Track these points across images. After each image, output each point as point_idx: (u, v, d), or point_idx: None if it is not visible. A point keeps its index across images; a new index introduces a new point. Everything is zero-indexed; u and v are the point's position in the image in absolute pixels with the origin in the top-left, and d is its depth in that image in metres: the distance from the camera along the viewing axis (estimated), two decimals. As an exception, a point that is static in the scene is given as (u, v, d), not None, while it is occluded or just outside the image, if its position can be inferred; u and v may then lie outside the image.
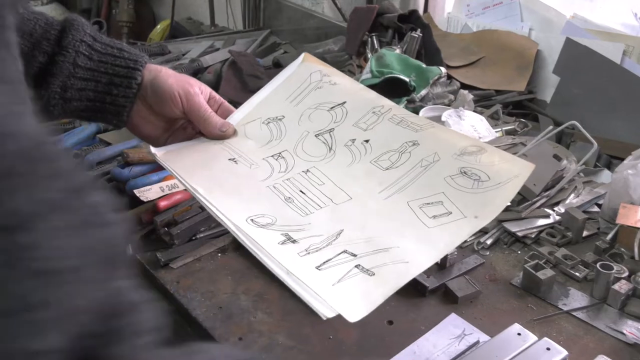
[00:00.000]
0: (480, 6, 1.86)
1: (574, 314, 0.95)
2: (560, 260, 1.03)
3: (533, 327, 0.92)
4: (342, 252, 0.73)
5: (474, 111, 1.48)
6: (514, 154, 1.24)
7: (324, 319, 0.66)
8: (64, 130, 1.52)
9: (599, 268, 0.96)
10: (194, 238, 1.11)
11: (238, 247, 1.09)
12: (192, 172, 0.87)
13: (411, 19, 1.74)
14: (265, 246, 0.74)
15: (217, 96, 0.99)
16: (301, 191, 0.85)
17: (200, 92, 0.95)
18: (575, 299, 0.98)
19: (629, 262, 1.02)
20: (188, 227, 1.10)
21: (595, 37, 1.54)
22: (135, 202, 1.19)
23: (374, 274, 0.70)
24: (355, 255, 0.73)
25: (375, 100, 0.98)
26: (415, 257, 0.73)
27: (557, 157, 1.25)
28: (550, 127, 1.30)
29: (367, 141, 0.91)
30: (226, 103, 0.99)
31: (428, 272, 1.01)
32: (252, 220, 0.78)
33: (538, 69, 1.72)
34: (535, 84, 1.73)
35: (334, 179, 0.87)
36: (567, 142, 1.45)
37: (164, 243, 1.10)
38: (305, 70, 1.04)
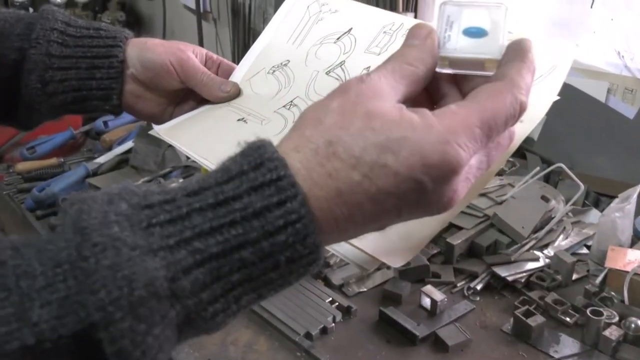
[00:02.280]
0: (466, 44, 1.88)
1: (565, 361, 0.95)
2: (551, 306, 1.03)
3: (524, 376, 0.91)
4: None
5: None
6: (502, 195, 1.25)
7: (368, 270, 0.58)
8: (53, 175, 1.52)
9: (589, 314, 0.96)
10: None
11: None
12: (198, 144, 0.80)
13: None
14: None
15: (215, 56, 0.92)
16: None
17: (194, 55, 0.88)
18: (567, 346, 0.98)
19: (619, 307, 1.02)
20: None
21: (579, 76, 1.56)
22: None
23: None
24: None
25: (385, 18, 0.87)
26: None
27: (545, 198, 1.26)
28: (537, 168, 1.31)
29: None
30: (226, 61, 0.92)
31: (418, 320, 1.01)
32: None
33: (525, 106, 1.73)
34: (523, 121, 1.74)
35: None
36: (555, 180, 1.46)
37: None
38: (301, 4, 0.95)
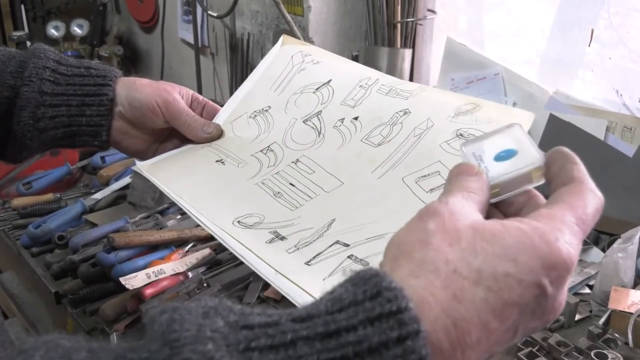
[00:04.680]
0: (464, 80, 1.89)
1: (571, 405, 0.93)
2: (554, 347, 1.02)
3: (529, 421, 0.90)
4: (333, 244, 0.67)
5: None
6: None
7: None
8: (49, 211, 1.50)
9: (594, 357, 0.95)
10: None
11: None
12: (175, 182, 0.83)
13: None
14: (252, 247, 0.69)
15: (201, 97, 0.94)
16: (291, 184, 0.80)
17: (180, 97, 0.90)
18: (571, 389, 0.96)
19: (624, 349, 1.01)
20: (175, 316, 1.08)
21: (578, 113, 1.56)
22: (121, 287, 1.17)
23: (368, 264, 0.63)
24: (347, 245, 0.66)
25: (362, 73, 0.91)
26: None
27: (546, 237, 1.25)
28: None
29: (356, 118, 0.85)
30: (211, 103, 0.94)
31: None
32: (238, 222, 0.74)
33: (523, 143, 1.73)
34: (521, 158, 1.74)
35: (325, 165, 0.81)
36: (555, 218, 1.46)
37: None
38: (285, 54, 0.99)
